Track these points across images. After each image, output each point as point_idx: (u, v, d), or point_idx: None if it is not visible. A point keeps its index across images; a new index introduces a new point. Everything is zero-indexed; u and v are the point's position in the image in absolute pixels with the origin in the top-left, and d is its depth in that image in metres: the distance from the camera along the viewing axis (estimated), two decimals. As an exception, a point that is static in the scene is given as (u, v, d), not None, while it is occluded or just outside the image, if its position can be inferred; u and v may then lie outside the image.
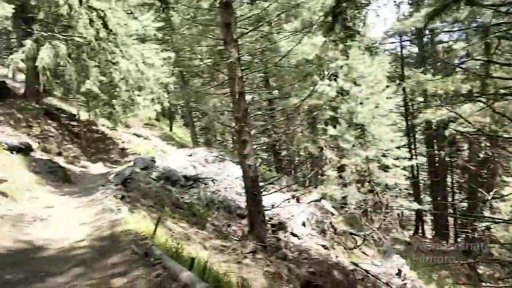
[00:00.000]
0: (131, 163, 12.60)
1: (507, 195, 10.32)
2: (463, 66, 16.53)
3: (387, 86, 15.15)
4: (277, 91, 17.42)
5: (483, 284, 11.04)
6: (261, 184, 9.49)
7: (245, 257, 7.40)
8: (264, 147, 21.68)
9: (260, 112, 16.63)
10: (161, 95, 16.69)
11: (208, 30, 12.63)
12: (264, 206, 8.95)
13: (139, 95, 16.27)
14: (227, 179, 12.89)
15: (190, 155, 14.63)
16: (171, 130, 27.45)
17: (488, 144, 15.98)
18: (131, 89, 15.65)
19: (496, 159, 14.75)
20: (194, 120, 25.25)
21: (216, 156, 15.05)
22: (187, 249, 6.26)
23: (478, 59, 14.60)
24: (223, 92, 11.81)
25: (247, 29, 8.84)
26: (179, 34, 17.22)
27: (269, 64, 12.83)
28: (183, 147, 18.94)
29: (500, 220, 8.52)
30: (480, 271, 12.32)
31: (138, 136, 19.93)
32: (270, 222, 10.15)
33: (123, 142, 18.16)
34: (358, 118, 14.44)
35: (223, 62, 9.22)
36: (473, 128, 13.15)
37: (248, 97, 13.14)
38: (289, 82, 15.66)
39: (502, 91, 10.10)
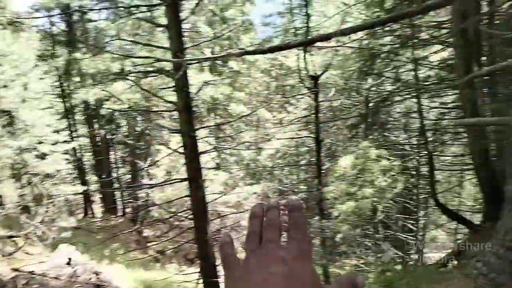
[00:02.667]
0: None
1: (158, 161, 11.70)
2: (111, 45, 17.09)
3: (36, 66, 13.78)
4: None
5: (148, 244, 12.33)
6: None
7: None
8: None
9: None
10: None
11: None
12: None
13: None
14: None
15: None
16: None
17: (142, 118, 17.55)
18: None
19: (149, 131, 16.46)
20: None
21: None
22: None
23: (123, 39, 15.50)
24: None
25: None
26: None
27: None
28: None
29: (153, 184, 9.58)
30: (146, 234, 13.65)
31: None
32: None
33: None
34: (3, 103, 12.43)
35: None
36: (126, 105, 14.01)
37: None
38: None
39: (149, 69, 11.14)
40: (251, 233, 0.52)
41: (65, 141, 13.93)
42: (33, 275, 7.83)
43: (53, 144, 13.25)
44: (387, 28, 10.44)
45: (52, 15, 23.88)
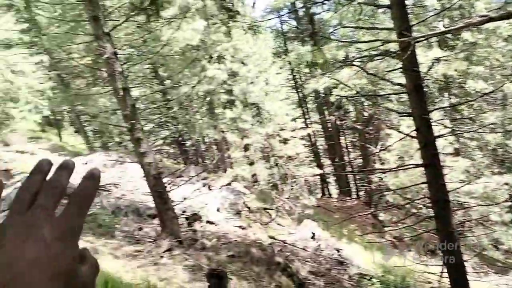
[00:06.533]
0: (19, 184, 11.22)
1: (390, 145, 11.49)
2: (335, 34, 17.65)
3: (274, 62, 15.65)
4: (168, 81, 16.88)
5: (385, 228, 12.34)
6: (168, 179, 9.20)
7: (162, 256, 7.17)
8: (167, 140, 21.05)
9: (154, 105, 16.01)
10: (39, 104, 15.05)
11: (79, 26, 11.58)
12: (174, 201, 8.72)
13: (14, 108, 14.48)
14: (131, 181, 12.27)
15: (86, 163, 13.57)
16: (60, 139, 25.10)
17: (370, 103, 17.59)
18: (2, 102, 13.87)
19: (377, 116, 16.37)
20: (85, 125, 23.42)
21: (115, 160, 14.19)
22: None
23: (347, 26, 15.87)
24: (107, 91, 11.06)
25: (119, 21, 8.27)
26: (46, 34, 15.53)
27: (150, 54, 12.29)
28: (78, 156, 17.47)
29: (387, 169, 9.49)
30: (381, 218, 13.71)
31: (22, 152, 17.82)
32: (184, 215, 9.95)
33: (5, 163, 16.07)
34: (251, 97, 14.74)
35: (98, 59, 8.58)
36: (353, 91, 14.30)
37: (136, 92, 12.53)
38: (177, 71, 15.27)
39: (373, 52, 11.07)
40: (24, 190, 0.42)
41: (301, 128, 15.43)
42: (285, 244, 9.11)
43: (292, 131, 14.90)
44: None
45: (282, 15, 26.64)
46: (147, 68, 17.52)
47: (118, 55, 7.67)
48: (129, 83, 8.31)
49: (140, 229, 8.87)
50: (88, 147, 21.87)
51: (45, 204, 0.41)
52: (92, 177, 0.43)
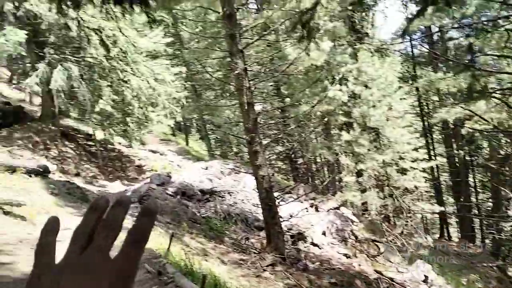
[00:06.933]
0: (148, 180, 12.66)
1: (533, 192, 9.92)
2: (475, 62, 16.10)
3: (399, 87, 14.92)
4: (289, 99, 17.35)
5: (514, 286, 10.59)
6: (277, 194, 9.38)
7: (264, 270, 7.29)
8: (281, 156, 21.57)
9: (273, 121, 16.56)
10: (174, 110, 16.83)
11: (215, 43, 12.74)
12: (282, 217, 8.83)
13: (152, 111, 16.45)
14: (244, 191, 12.83)
15: (206, 168, 14.64)
16: (187, 144, 27.67)
17: (508, 141, 15.51)
18: (144, 105, 15.87)
19: (518, 156, 14.30)
20: (209, 133, 25.39)
21: (232, 168, 15.03)
22: (204, 264, 6.19)
23: (489, 54, 14.30)
24: (233, 104, 11.82)
25: (252, 39, 8.82)
26: (188, 48, 17.38)
27: (276, 72, 12.79)
28: (199, 161, 18.99)
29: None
30: (510, 273, 11.81)
31: (154, 152, 20.09)
32: (289, 233, 10.01)
33: (139, 159, 18.31)
34: (371, 121, 14.21)
35: (230, 73, 9.24)
36: (490, 125, 12.78)
37: (258, 107, 13.16)
38: (299, 90, 15.59)
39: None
40: (81, 229, 0.44)
41: (423, 159, 14.28)
42: (393, 282, 8.47)
43: (412, 161, 13.88)
44: None
45: (414, 39, 25.30)
46: (271, 85, 18.27)
47: (247, 71, 8.15)
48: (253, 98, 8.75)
49: (247, 239, 9.18)
50: (209, 154, 23.59)
51: (102, 245, 0.42)
52: (149, 213, 0.44)
